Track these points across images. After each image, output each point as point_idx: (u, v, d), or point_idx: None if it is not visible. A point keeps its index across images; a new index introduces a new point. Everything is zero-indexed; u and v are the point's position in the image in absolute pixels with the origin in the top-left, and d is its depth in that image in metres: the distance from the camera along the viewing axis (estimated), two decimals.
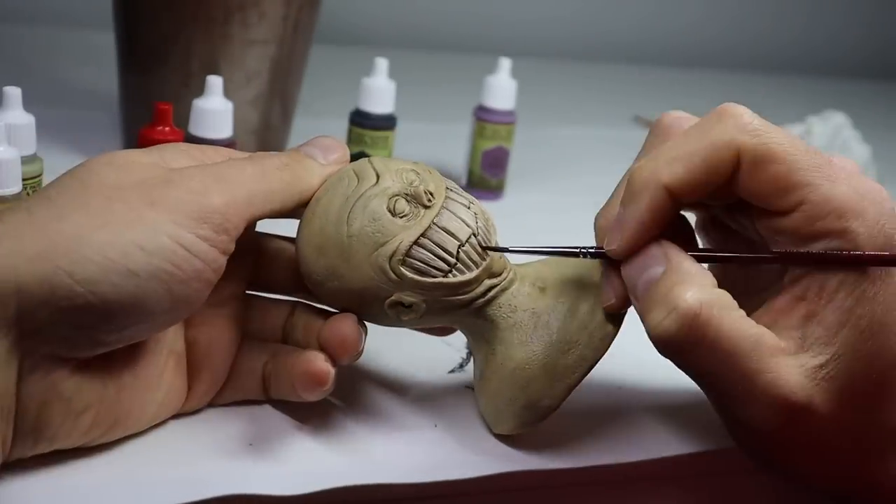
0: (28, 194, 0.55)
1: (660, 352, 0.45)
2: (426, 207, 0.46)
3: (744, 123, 0.44)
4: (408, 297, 0.46)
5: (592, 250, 0.47)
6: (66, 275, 0.38)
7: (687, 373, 0.46)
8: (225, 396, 0.48)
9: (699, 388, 0.52)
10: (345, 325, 0.46)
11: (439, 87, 1.16)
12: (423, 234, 0.45)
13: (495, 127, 0.81)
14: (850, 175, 0.45)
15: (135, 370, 0.44)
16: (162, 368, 0.45)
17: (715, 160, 0.44)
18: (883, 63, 1.60)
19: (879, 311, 0.44)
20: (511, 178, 0.84)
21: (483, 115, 0.81)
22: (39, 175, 0.58)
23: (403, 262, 0.45)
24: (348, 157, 0.49)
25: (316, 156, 0.48)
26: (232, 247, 0.43)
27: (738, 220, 0.48)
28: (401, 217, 0.45)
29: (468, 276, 0.46)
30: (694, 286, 0.43)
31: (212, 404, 0.48)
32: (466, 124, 0.84)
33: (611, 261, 0.46)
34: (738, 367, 0.43)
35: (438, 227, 0.46)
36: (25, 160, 0.55)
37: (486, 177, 0.82)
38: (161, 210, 0.40)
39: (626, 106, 1.20)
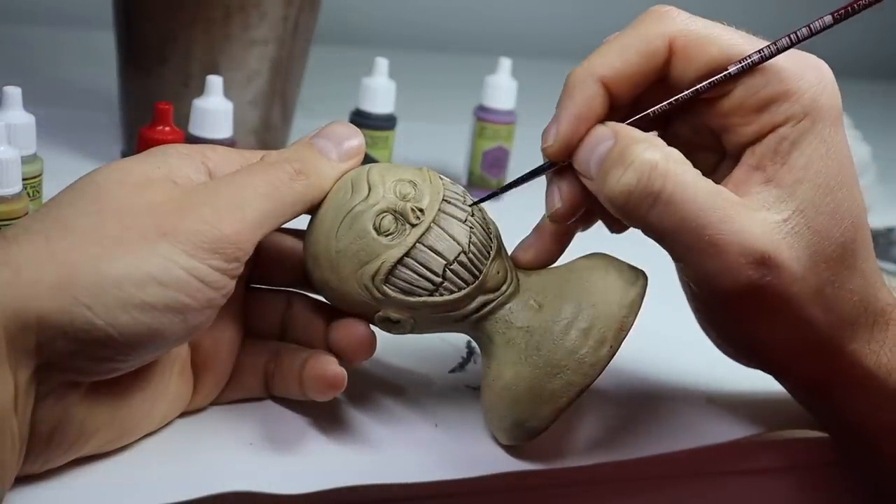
0: (28, 194, 0.55)
1: (620, 214, 0.44)
2: (413, 225, 0.45)
3: (672, 16, 0.46)
4: (394, 314, 0.45)
5: (543, 165, 0.47)
6: (86, 307, 0.38)
7: (650, 232, 0.45)
8: (227, 395, 0.49)
9: (699, 389, 0.52)
10: (358, 329, 0.46)
11: (439, 87, 1.16)
12: (407, 254, 0.45)
13: (495, 127, 0.81)
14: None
15: (143, 385, 0.44)
16: (168, 378, 0.45)
17: (648, 52, 0.45)
18: (883, 63, 1.60)
19: (834, 169, 0.45)
20: (511, 178, 0.84)
21: (483, 115, 0.81)
22: (39, 175, 0.58)
23: (387, 281, 0.45)
24: (364, 145, 0.48)
25: (329, 151, 0.46)
26: (242, 269, 0.43)
27: (692, 125, 0.48)
28: (386, 235, 0.45)
29: (455, 295, 0.45)
30: (647, 143, 0.43)
31: (214, 403, 0.48)
32: (466, 124, 0.84)
33: (558, 170, 0.47)
34: (701, 218, 0.43)
35: (424, 246, 0.45)
36: (25, 160, 0.55)
37: (486, 177, 0.82)
38: (174, 241, 0.40)
39: None
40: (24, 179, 0.54)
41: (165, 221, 0.40)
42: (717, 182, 0.45)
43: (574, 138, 0.45)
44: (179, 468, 0.44)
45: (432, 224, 0.45)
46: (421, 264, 0.45)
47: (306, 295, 0.50)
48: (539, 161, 0.48)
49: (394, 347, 0.55)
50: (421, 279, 0.45)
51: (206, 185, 0.43)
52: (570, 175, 0.47)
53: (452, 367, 0.56)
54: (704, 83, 0.45)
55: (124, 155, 0.77)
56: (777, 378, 0.51)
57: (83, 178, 0.43)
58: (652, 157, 0.43)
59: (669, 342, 0.60)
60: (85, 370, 0.40)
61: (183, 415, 0.47)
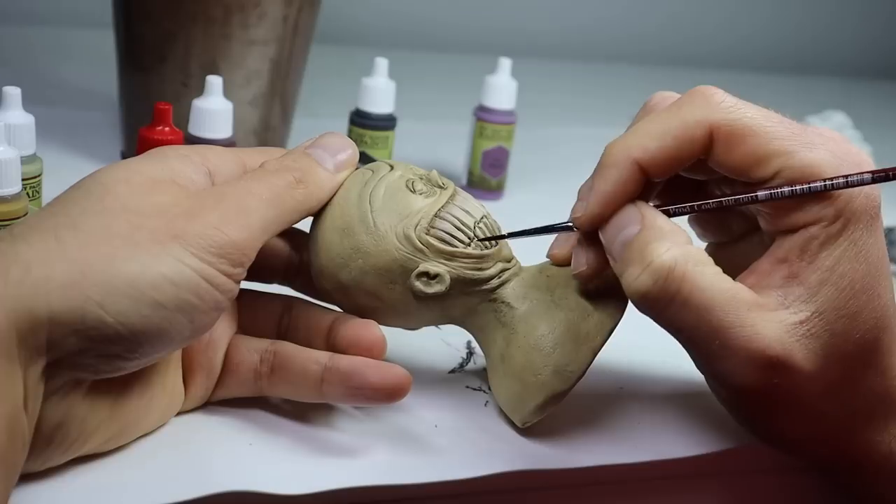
0: (28, 194, 0.55)
1: (637, 308, 0.45)
2: (441, 188, 0.49)
3: (716, 102, 0.45)
4: (433, 267, 0.47)
5: (566, 223, 0.48)
6: (97, 305, 0.38)
7: (666, 328, 0.46)
8: (219, 393, 0.48)
9: (701, 390, 0.52)
10: (369, 329, 0.47)
11: (439, 87, 1.16)
12: (442, 208, 0.48)
13: (495, 127, 0.81)
14: (827, 140, 0.45)
15: (142, 383, 0.44)
16: (165, 376, 0.46)
17: (686, 138, 0.45)
18: (883, 63, 1.60)
19: (860, 272, 0.44)
20: (511, 178, 0.84)
21: (483, 115, 0.81)
22: (39, 175, 0.58)
23: (428, 232, 0.47)
24: (357, 157, 0.49)
25: (325, 160, 0.48)
26: (245, 274, 0.43)
27: (730, 192, 0.48)
28: (420, 194, 0.48)
29: (485, 251, 0.48)
30: (668, 242, 0.44)
31: (207, 402, 0.48)
32: (466, 124, 0.84)
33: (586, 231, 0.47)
34: (714, 322, 0.43)
35: (455, 204, 0.48)
36: (25, 160, 0.55)
37: (486, 177, 0.82)
38: (185, 243, 0.41)
39: (626, 106, 1.20)
40: (23, 179, 0.54)
41: (175, 224, 0.41)
42: (744, 260, 0.46)
43: (603, 215, 0.46)
44: (179, 468, 0.44)
45: (455, 192, 0.49)
46: (456, 217, 0.48)
47: (305, 300, 0.50)
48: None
49: (394, 347, 0.55)
50: (458, 231, 0.48)
51: (211, 191, 0.44)
52: (597, 241, 0.47)
53: (452, 368, 0.56)
54: (741, 196, 0.45)
55: (124, 155, 0.77)
56: (799, 459, 0.52)
57: (87, 177, 0.43)
58: (671, 260, 0.43)
59: (670, 347, 0.60)
60: (93, 368, 0.40)
61: (182, 414, 0.47)
